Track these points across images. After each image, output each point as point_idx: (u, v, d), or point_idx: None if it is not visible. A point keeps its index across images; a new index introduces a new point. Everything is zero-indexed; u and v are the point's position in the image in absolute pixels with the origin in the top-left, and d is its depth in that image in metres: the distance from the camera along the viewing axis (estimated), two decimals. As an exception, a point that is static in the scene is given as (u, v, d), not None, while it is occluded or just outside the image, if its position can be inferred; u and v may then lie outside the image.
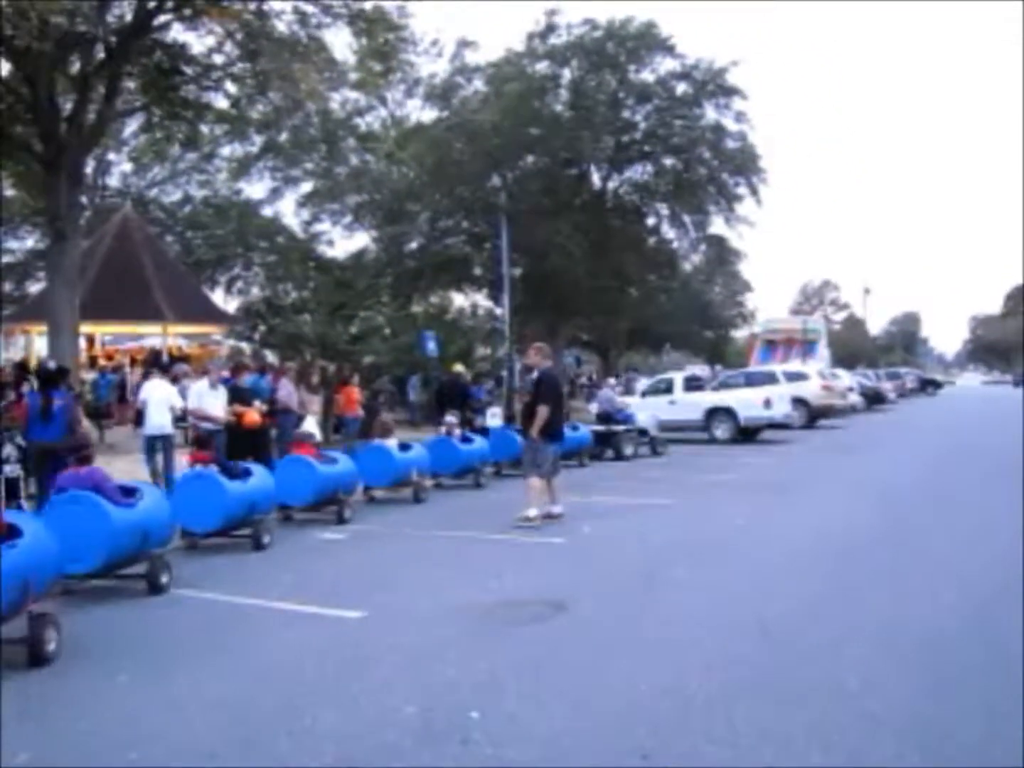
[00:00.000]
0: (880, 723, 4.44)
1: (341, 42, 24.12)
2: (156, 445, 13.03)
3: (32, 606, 5.71)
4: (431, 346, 25.07)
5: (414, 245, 36.37)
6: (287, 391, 15.16)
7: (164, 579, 7.69)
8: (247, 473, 10.06)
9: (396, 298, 31.42)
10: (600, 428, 19.82)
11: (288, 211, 40.01)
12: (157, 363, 23.45)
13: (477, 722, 4.53)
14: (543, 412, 11.00)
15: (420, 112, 39.32)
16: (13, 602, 5.59)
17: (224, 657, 5.85)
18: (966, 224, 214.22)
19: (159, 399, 12.97)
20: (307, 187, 39.64)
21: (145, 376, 17.14)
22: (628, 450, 19.68)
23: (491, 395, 25.68)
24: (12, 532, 5.94)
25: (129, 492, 8.00)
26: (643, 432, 20.35)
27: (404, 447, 13.84)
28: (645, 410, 22.72)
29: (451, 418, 15.82)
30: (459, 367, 20.91)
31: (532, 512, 10.68)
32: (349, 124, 38.45)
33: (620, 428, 19.93)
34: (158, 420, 12.86)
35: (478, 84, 36.72)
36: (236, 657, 5.84)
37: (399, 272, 33.95)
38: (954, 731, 4.34)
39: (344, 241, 39.40)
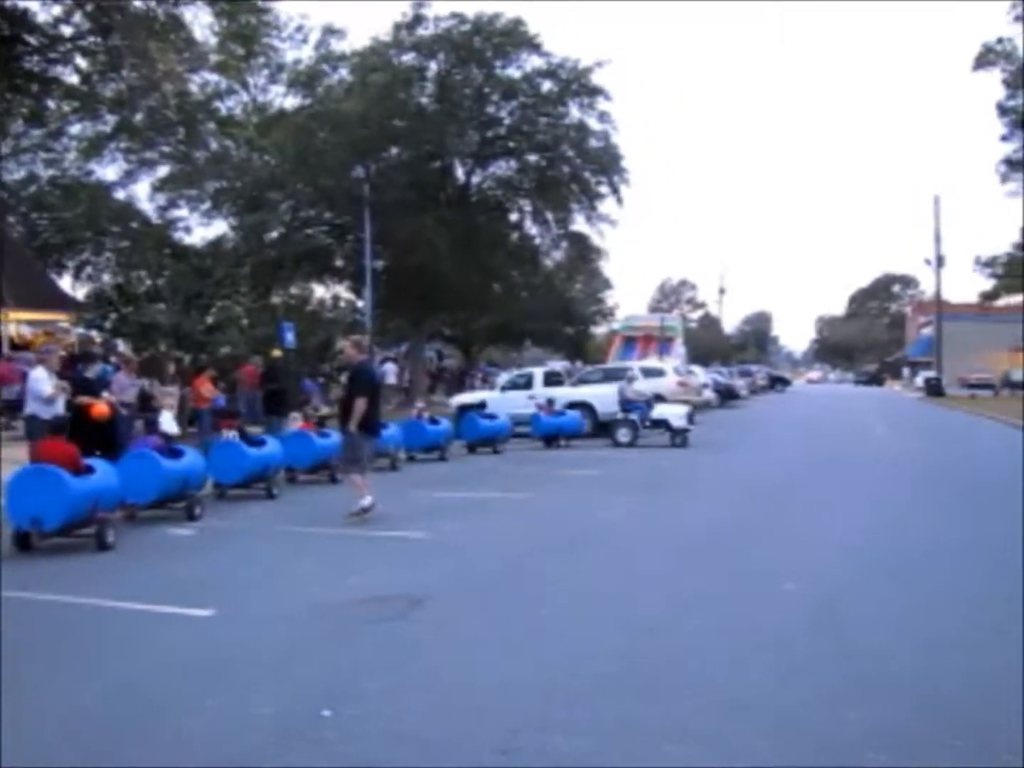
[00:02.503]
0: (740, 713, 4.61)
1: (202, 22, 23.23)
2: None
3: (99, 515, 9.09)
4: (290, 338, 24.63)
5: (275, 234, 35.59)
6: (119, 385, 14.64)
7: (198, 511, 11.09)
8: (89, 469, 9.57)
9: (255, 288, 30.72)
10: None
11: (143, 195, 38.45)
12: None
13: (330, 720, 4.51)
14: (360, 405, 10.83)
15: (283, 99, 38.50)
16: (85, 513, 9.10)
17: (70, 663, 5.62)
18: (816, 228, 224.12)
19: None
20: (163, 171, 38.21)
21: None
22: (623, 438, 20.69)
23: (319, 387, 24.65)
24: (88, 469, 9.39)
25: (177, 452, 11.28)
26: (661, 423, 20.75)
27: (257, 441, 13.50)
28: (504, 404, 23.00)
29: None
30: (277, 353, 20.23)
31: (366, 501, 10.65)
32: (209, 108, 37.27)
33: (620, 416, 21.10)
34: None
35: (343, 73, 36.28)
36: (83, 663, 5.61)
37: (259, 262, 33.19)
38: (802, 718, 4.56)
39: (202, 228, 38.14)
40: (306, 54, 37.23)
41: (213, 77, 34.49)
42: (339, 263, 37.45)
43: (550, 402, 22.24)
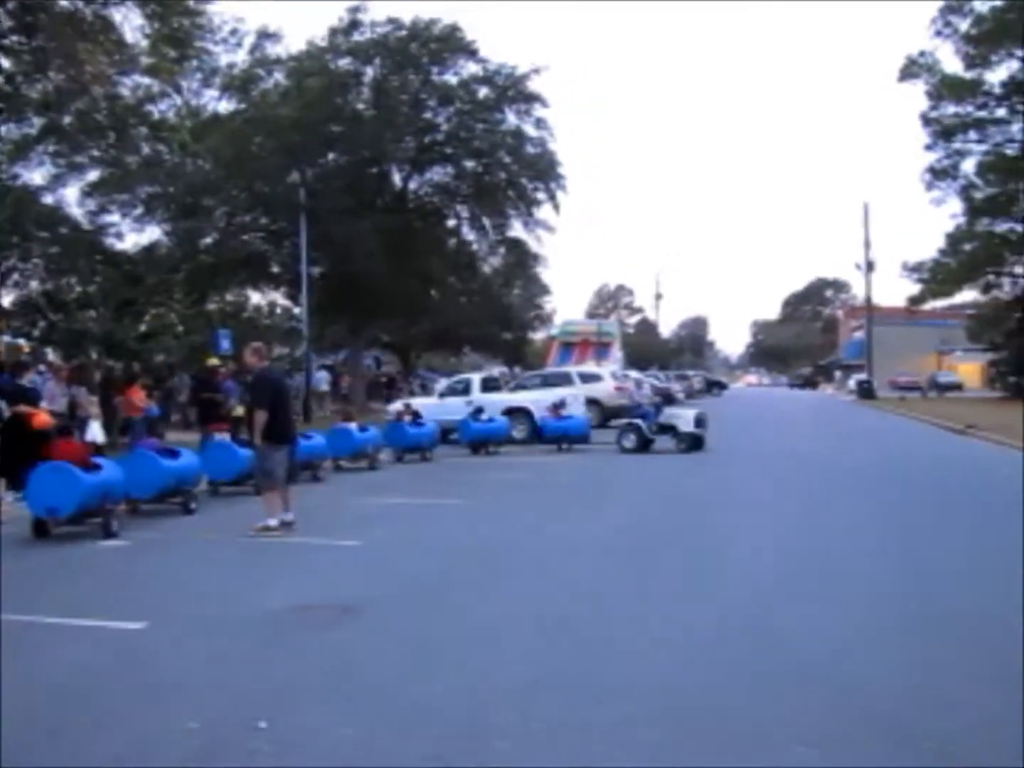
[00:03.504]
0: (670, 716, 4.68)
1: (132, 24, 22.82)
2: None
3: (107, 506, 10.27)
4: (225, 345, 24.36)
5: (209, 240, 35.15)
6: (49, 394, 14.36)
7: (193, 505, 12.12)
8: (98, 467, 10.58)
9: (190, 295, 30.33)
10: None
11: (72, 200, 37.67)
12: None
13: (264, 732, 4.48)
14: (261, 417, 10.45)
15: (218, 103, 38.04)
16: (94, 504, 10.28)
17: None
18: (750, 233, 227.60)
19: None
20: (94, 175, 37.48)
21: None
22: (628, 444, 20.15)
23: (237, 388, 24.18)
24: (96, 467, 10.57)
25: (174, 452, 12.34)
26: (668, 428, 20.23)
27: (172, 452, 12.89)
28: (442, 411, 22.99)
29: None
30: (213, 360, 19.57)
31: (272, 522, 10.31)
32: (141, 111, 36.66)
33: (625, 421, 21.19)
34: None
35: (279, 77, 35.97)
36: (5, 680, 5.48)
37: (193, 268, 32.75)
38: (732, 718, 4.64)
39: (135, 234, 37.48)
40: (241, 58, 36.81)
41: (145, 80, 33.91)
42: (276, 269, 37.13)
43: (556, 406, 22.13)
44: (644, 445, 20.03)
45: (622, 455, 19.70)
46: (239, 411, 17.30)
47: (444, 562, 8.84)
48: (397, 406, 26.27)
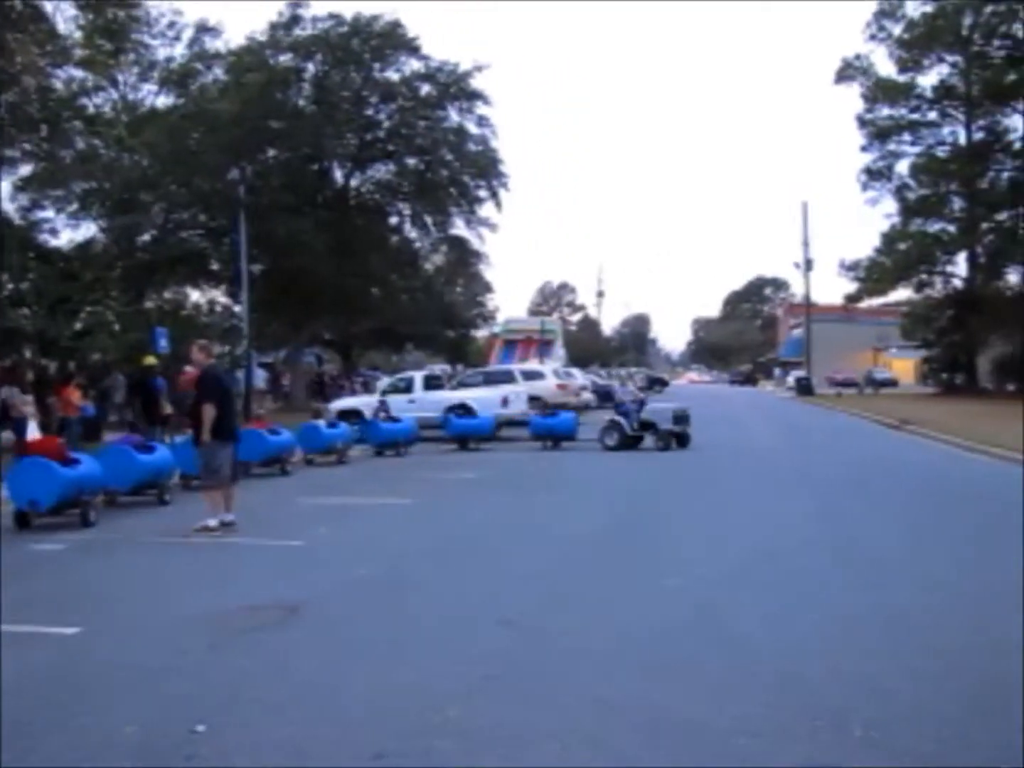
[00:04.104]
0: (616, 712, 4.70)
1: (65, 15, 22.30)
2: None
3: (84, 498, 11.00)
4: (164, 343, 23.95)
5: (147, 237, 34.54)
6: None
7: (167, 497, 12.85)
8: (76, 461, 11.28)
9: (127, 292, 29.78)
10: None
11: (4, 195, 36.75)
12: None
13: (204, 735, 4.43)
14: (209, 412, 10.43)
15: (155, 97, 37.43)
16: (72, 496, 10.96)
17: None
18: (691, 231, 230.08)
19: None
20: (26, 170, 36.63)
21: None
22: (610, 441, 19.86)
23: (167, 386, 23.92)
24: (74, 461, 11.22)
25: (149, 448, 13.10)
26: (650, 425, 19.83)
27: (148, 448, 13.22)
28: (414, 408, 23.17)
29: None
30: (151, 360, 19.29)
31: (212, 522, 10.27)
32: (75, 105, 35.93)
33: (608, 419, 20.60)
34: None
35: (218, 72, 35.52)
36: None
37: (130, 265, 32.16)
38: (678, 712, 4.68)
39: (69, 231, 36.69)
40: (179, 52, 36.30)
41: (79, 73, 33.24)
42: (215, 267, 36.64)
43: (548, 406, 22.69)
44: (626, 443, 19.74)
45: (604, 452, 19.67)
46: (168, 409, 17.15)
47: (391, 559, 8.82)
48: (338, 403, 26.21)
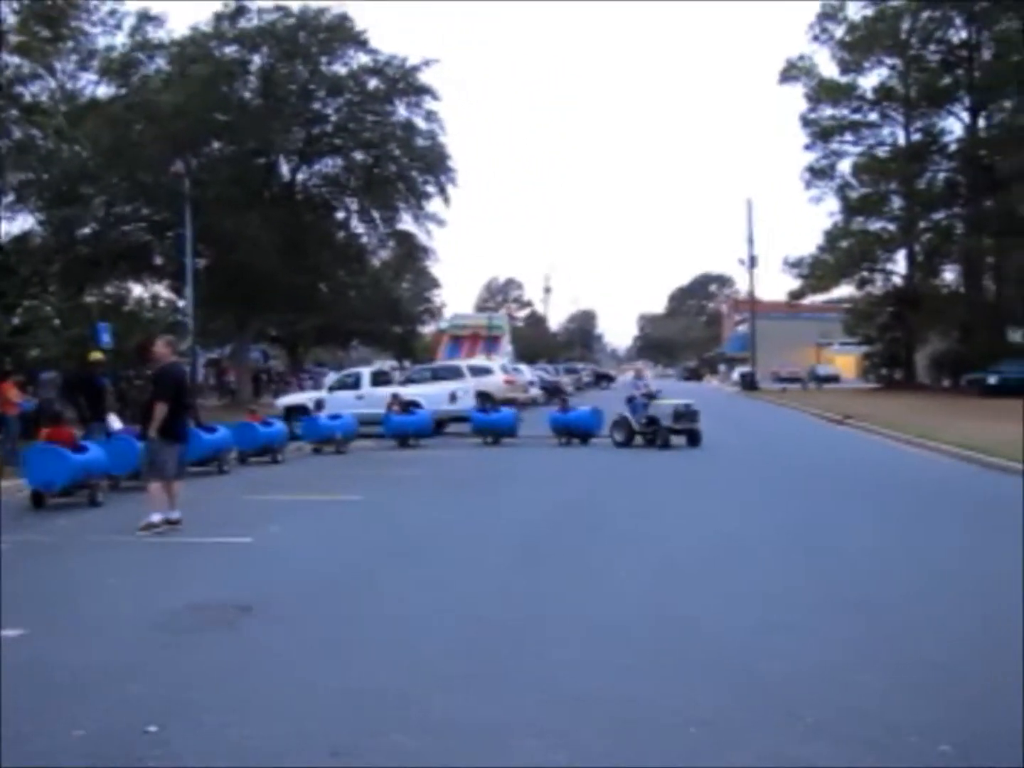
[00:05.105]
0: (577, 706, 4.74)
1: None
2: None
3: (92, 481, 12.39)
4: (106, 338, 23.53)
5: (88, 230, 33.89)
6: None
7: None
8: (85, 448, 12.51)
9: (67, 287, 29.21)
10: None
11: (-65, 185, 35.77)
12: None
13: (156, 737, 4.38)
14: (160, 410, 10.28)
15: (96, 87, 36.68)
16: (81, 480, 12.35)
17: None
18: (637, 228, 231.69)
19: None
20: (-41, 160, 35.72)
21: None
22: (618, 437, 19.58)
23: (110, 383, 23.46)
24: (82, 448, 12.52)
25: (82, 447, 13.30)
26: (653, 421, 19.21)
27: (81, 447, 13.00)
28: (332, 405, 22.88)
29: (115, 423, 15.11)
30: (96, 355, 18.45)
31: (155, 518, 10.15)
32: (10, 93, 35.08)
33: (617, 415, 19.97)
34: None
35: (161, 62, 34.88)
36: None
37: (70, 259, 31.53)
38: (638, 705, 4.74)
39: (5, 223, 35.84)
40: (120, 41, 35.52)
41: (14, 59, 32.45)
42: (158, 261, 36.08)
43: (563, 401, 22.36)
44: (632, 439, 19.39)
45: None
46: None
47: (342, 557, 8.79)
48: (285, 400, 26.01)
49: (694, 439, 19.15)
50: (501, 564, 8.42)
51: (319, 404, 21.84)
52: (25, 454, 12.63)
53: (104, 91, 35.60)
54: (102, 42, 35.03)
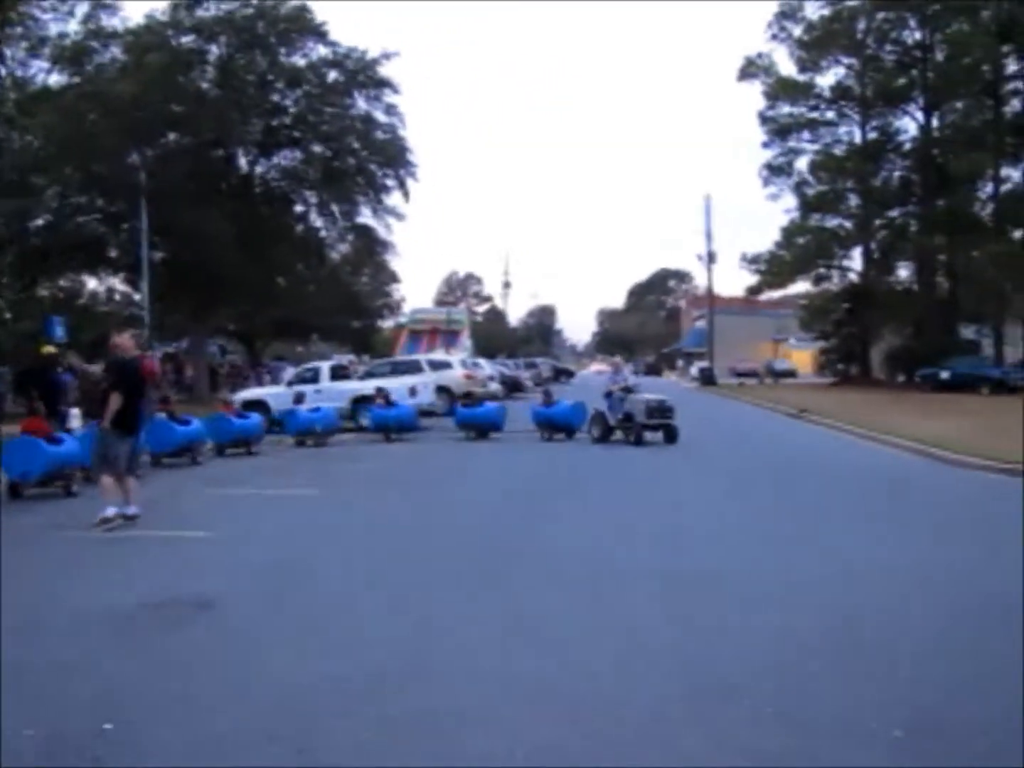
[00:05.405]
0: (539, 696, 4.77)
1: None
2: None
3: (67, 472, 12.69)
4: (59, 332, 23.17)
5: (41, 222, 33.33)
6: None
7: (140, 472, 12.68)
8: (60, 440, 12.68)
9: (19, 279, 28.72)
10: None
11: None
12: None
13: (113, 736, 4.31)
14: (115, 402, 10.19)
15: (47, 75, 36.04)
16: (56, 471, 12.67)
17: None
18: (596, 223, 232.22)
19: None
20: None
21: None
22: (595, 433, 19.20)
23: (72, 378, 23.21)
24: (58, 440, 12.76)
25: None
26: (628, 417, 18.66)
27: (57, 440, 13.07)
28: (290, 399, 22.74)
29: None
30: (50, 349, 18.07)
31: (110, 512, 10.01)
32: (-42, 80, 34.43)
33: (594, 411, 19.62)
34: None
35: (116, 51, 34.34)
36: None
37: (22, 251, 31.02)
38: (585, 692, 4.78)
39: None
40: (73, 28, 34.91)
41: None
42: (113, 254, 35.55)
43: (547, 395, 21.87)
44: (609, 434, 18.97)
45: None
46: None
47: (301, 551, 8.75)
48: (243, 395, 25.78)
49: (670, 435, 18.53)
50: (453, 553, 8.44)
51: (299, 398, 21.68)
52: (4, 447, 12.76)
53: (56, 79, 35.03)
54: (54, 29, 34.48)
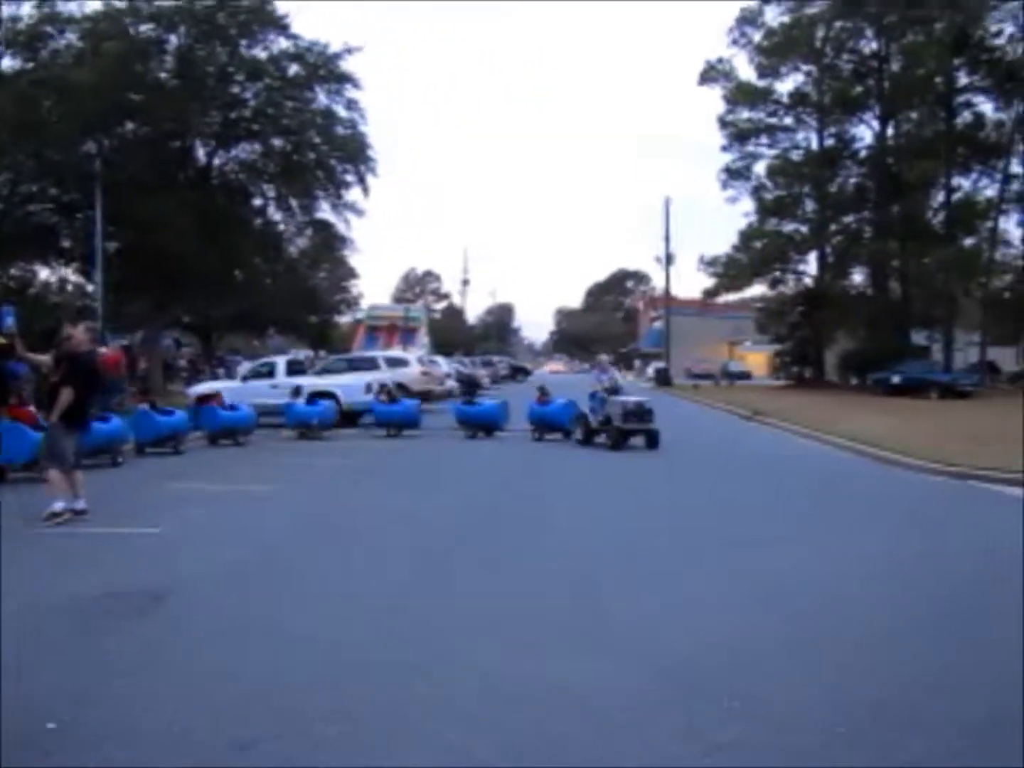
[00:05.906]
0: (500, 687, 4.83)
1: None
2: None
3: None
4: (9, 322, 22.68)
5: (-10, 210, 32.73)
6: None
7: (120, 459, 15.31)
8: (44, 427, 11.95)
9: (-32, 267, 28.20)
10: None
11: None
12: None
13: (65, 730, 4.30)
14: (66, 396, 10.11)
15: (-1, 60, 35.29)
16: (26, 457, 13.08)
17: None
18: (555, 223, 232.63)
19: None
20: None
21: None
22: (577, 434, 18.94)
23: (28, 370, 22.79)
24: (41, 427, 12.40)
25: (104, 418, 14.93)
26: (607, 420, 18.09)
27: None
28: (246, 394, 22.53)
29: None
30: (1, 339, 18.18)
31: (58, 506, 9.93)
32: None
33: (576, 412, 19.30)
34: None
35: (72, 37, 33.72)
36: None
37: (-29, 238, 30.44)
38: (559, 684, 4.83)
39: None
40: (26, 12, 34.16)
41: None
42: (66, 243, 35.00)
43: (543, 391, 20.98)
44: (591, 437, 18.55)
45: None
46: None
47: (253, 546, 8.73)
48: (197, 388, 25.51)
49: (651, 440, 17.90)
50: (411, 551, 8.47)
51: (297, 391, 21.61)
52: None
53: (9, 64, 34.29)
54: (5, 11, 33.73)
